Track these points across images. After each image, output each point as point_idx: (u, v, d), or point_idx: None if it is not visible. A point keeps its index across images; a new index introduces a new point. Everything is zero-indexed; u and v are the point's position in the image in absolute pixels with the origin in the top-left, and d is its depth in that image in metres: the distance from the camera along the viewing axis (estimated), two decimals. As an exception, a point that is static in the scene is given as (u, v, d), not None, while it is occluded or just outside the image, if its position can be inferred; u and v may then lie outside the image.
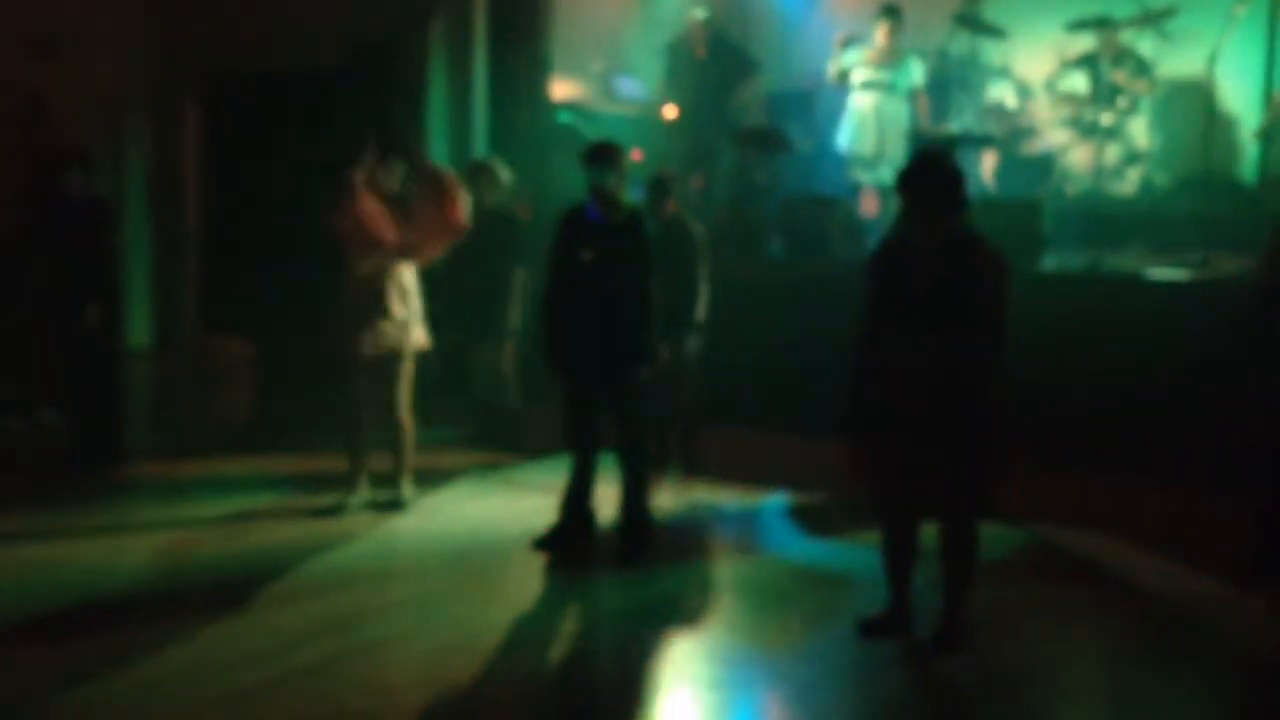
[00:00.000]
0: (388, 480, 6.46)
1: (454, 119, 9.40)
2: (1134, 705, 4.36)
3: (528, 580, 5.51)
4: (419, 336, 6.36)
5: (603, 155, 5.65)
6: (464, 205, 6.29)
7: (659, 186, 7.07)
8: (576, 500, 5.84)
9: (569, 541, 5.83)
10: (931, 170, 4.64)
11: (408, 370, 6.32)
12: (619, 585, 5.51)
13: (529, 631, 4.92)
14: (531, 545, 5.82)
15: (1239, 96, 9.64)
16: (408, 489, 6.48)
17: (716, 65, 9.81)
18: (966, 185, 4.68)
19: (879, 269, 4.76)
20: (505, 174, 7.90)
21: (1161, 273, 7.34)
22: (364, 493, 6.42)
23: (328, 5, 8.74)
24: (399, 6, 8.92)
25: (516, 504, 6.55)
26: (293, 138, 8.53)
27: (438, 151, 9.16)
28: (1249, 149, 9.66)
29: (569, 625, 5.12)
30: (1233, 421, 5.89)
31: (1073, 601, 5.29)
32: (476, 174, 7.72)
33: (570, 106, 10.17)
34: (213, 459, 7.44)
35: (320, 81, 8.72)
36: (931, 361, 4.50)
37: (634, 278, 5.65)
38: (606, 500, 5.91)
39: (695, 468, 7.18)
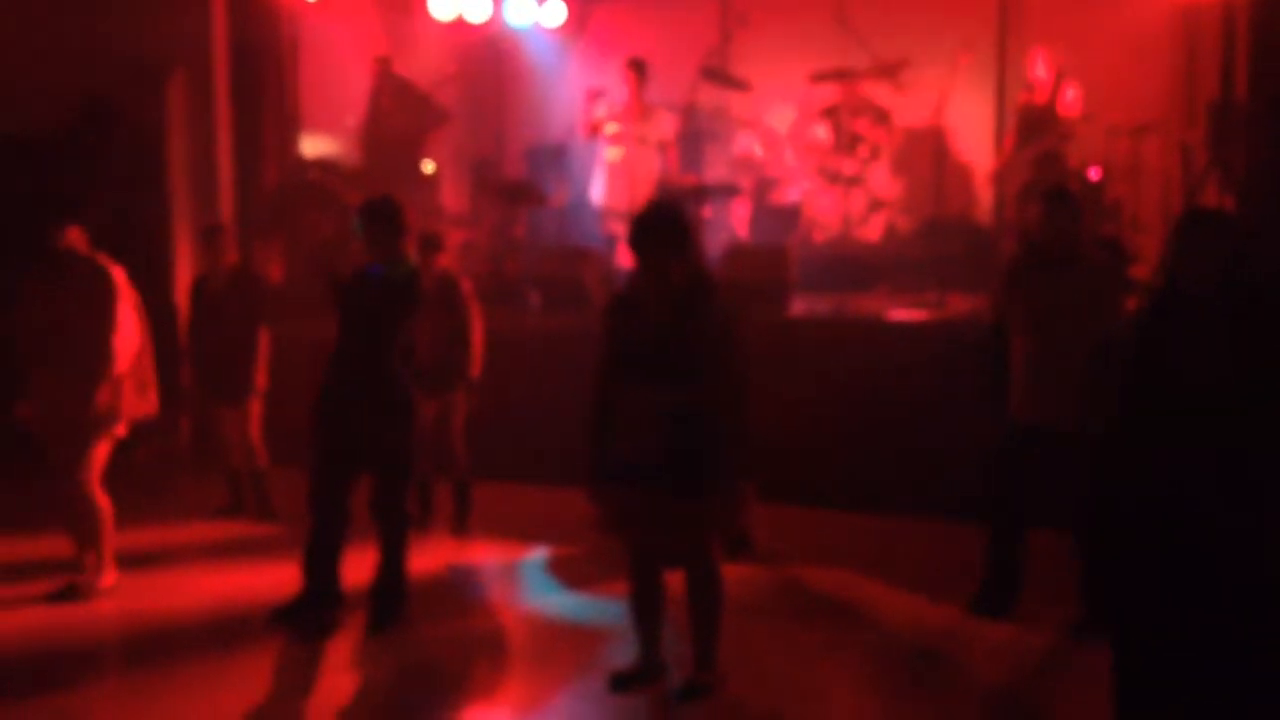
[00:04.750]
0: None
1: (198, 177, 9.10)
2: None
3: (265, 657, 5.24)
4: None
5: (376, 210, 5.57)
6: None
7: (428, 242, 6.96)
8: (321, 567, 5.62)
9: (314, 612, 5.61)
10: (656, 221, 4.67)
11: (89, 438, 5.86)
12: (368, 655, 5.32)
13: (265, 714, 4.69)
14: (271, 618, 5.57)
15: (972, 142, 10.14)
16: (94, 571, 5.97)
17: (402, 114, 9.79)
18: (693, 235, 4.72)
19: (612, 319, 4.77)
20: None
21: (901, 314, 7.61)
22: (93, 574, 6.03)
23: (57, 63, 8.37)
24: (132, 65, 8.59)
25: (263, 576, 6.27)
26: (23, 198, 8.08)
27: (181, 211, 8.87)
28: (984, 193, 10.16)
29: (310, 703, 4.89)
30: (968, 455, 6.09)
31: (818, 640, 5.35)
32: (212, 236, 7.49)
33: (323, 163, 9.98)
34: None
35: (52, 141, 8.32)
36: (664, 409, 4.51)
37: (396, 334, 5.55)
38: (364, 565, 5.71)
39: (465, 525, 7.04)
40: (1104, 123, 9.27)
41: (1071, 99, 9.04)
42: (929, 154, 9.62)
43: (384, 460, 5.54)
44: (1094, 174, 8.90)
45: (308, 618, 5.54)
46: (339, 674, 5.10)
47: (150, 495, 7.71)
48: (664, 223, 4.66)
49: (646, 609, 4.83)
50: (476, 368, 6.94)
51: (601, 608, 5.78)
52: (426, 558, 6.39)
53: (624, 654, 4.95)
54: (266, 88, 9.34)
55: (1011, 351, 5.43)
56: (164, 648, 5.33)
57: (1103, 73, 9.36)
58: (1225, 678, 3.57)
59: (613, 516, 4.70)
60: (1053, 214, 5.37)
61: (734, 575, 4.82)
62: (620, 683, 4.80)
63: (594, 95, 9.52)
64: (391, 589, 5.61)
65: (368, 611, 5.55)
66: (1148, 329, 3.96)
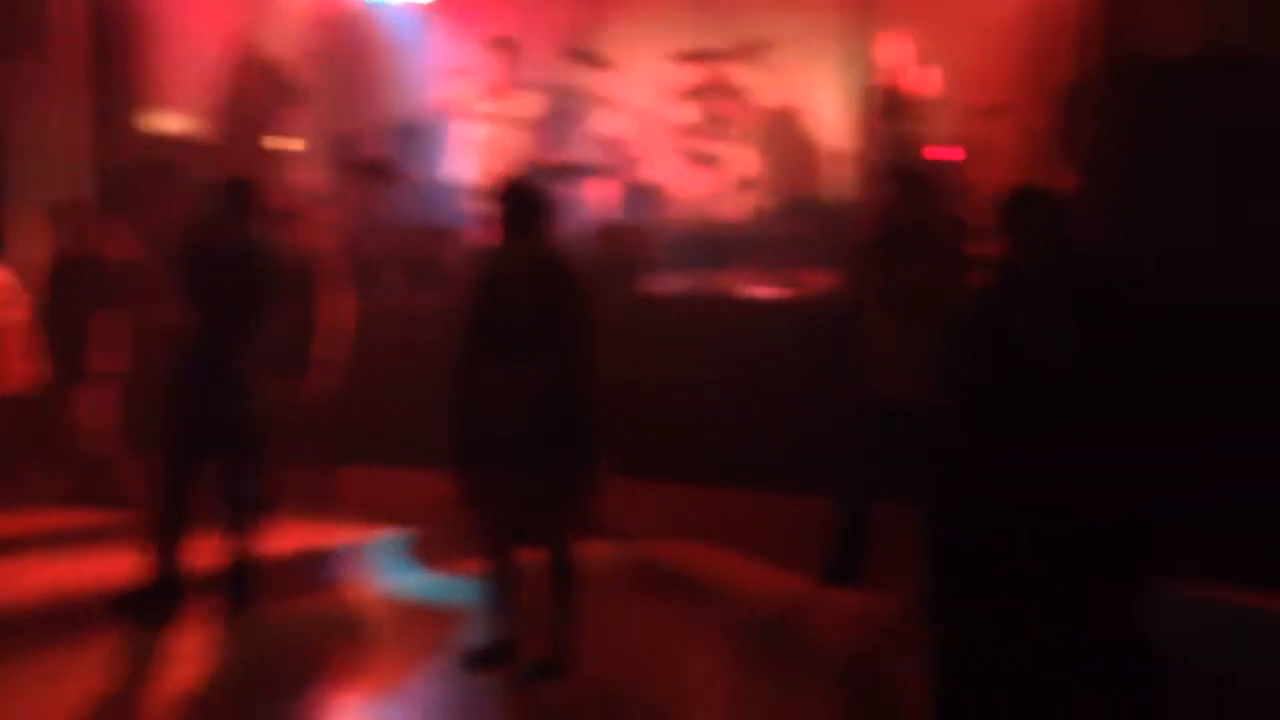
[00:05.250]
0: None
1: (49, 158, 8.78)
2: (727, 713, 4.47)
3: (107, 647, 5.05)
4: None
5: (230, 189, 5.46)
6: None
7: (285, 220, 6.76)
8: (167, 553, 5.46)
9: (159, 599, 5.43)
10: (520, 197, 4.67)
11: None
12: (217, 643, 5.19)
13: (109, 705, 4.55)
14: (113, 606, 5.39)
15: (832, 122, 10.26)
16: None
17: (258, 91, 9.58)
18: (554, 211, 4.74)
19: (474, 297, 4.75)
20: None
21: (761, 291, 7.69)
22: None
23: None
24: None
25: (109, 563, 6.04)
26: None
27: (32, 190, 8.54)
28: (843, 173, 10.29)
29: (155, 692, 4.75)
30: (824, 430, 6.17)
31: (673, 615, 5.40)
32: (61, 215, 7.24)
33: (178, 141, 9.70)
34: None
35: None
36: (521, 386, 4.50)
37: (251, 314, 5.42)
38: (212, 550, 5.56)
39: (324, 509, 6.91)
40: (961, 104, 9.45)
41: (927, 81, 9.19)
42: (790, 134, 9.70)
43: (235, 443, 5.42)
44: (950, 155, 9.06)
45: (153, 605, 5.39)
46: (186, 663, 4.98)
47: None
48: (527, 200, 4.67)
49: (501, 587, 4.82)
50: (336, 349, 6.81)
51: (457, 587, 5.71)
52: (280, 542, 6.26)
53: (479, 633, 4.92)
54: (118, 63, 9.04)
55: (868, 328, 5.50)
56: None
57: (960, 55, 9.54)
58: (1044, 663, 3.67)
59: (472, 495, 4.68)
60: (908, 194, 5.46)
61: (589, 552, 4.82)
62: (474, 661, 4.78)
63: (457, 72, 9.39)
64: (242, 575, 5.50)
65: (218, 598, 5.42)
66: (986, 306, 4.06)
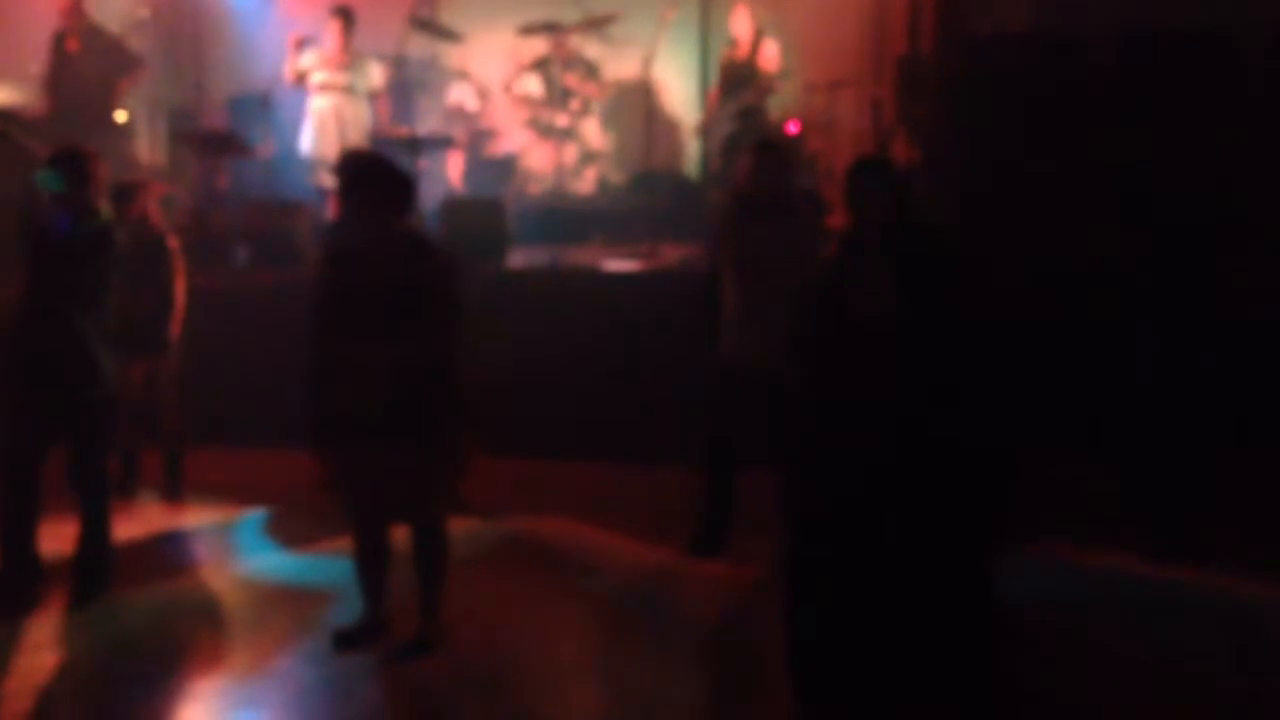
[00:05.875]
0: None
1: None
2: (599, 685, 4.56)
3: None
4: None
5: (64, 161, 5.23)
6: None
7: (122, 194, 6.55)
8: (17, 540, 5.27)
9: (10, 588, 5.25)
10: (361, 169, 4.64)
11: None
12: (72, 630, 5.06)
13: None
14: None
15: (679, 96, 10.40)
16: None
17: (91, 60, 9.28)
18: (404, 184, 4.69)
19: (328, 272, 4.69)
20: None
21: (614, 264, 7.76)
22: None
23: None
24: None
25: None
26: None
27: None
28: (691, 145, 10.44)
29: (9, 684, 4.60)
30: (684, 400, 6.28)
31: (540, 590, 5.43)
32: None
33: (4, 113, 9.30)
34: None
35: None
36: (384, 363, 4.48)
37: (90, 291, 5.25)
38: (64, 536, 5.42)
39: (178, 491, 6.75)
40: (802, 79, 9.66)
41: (771, 55, 9.36)
42: (638, 108, 9.79)
43: (81, 426, 5.27)
44: (792, 128, 9.27)
45: (4, 594, 5.24)
46: (40, 652, 4.85)
47: None
48: (373, 172, 4.63)
49: (370, 565, 4.81)
50: (177, 327, 6.65)
51: (321, 567, 5.68)
52: (135, 525, 6.16)
53: (346, 613, 4.91)
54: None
55: (724, 298, 5.62)
56: None
57: (801, 29, 9.76)
58: (892, 604, 3.85)
59: (335, 474, 4.65)
60: (761, 166, 5.57)
61: (455, 529, 4.84)
62: (344, 641, 4.77)
63: (298, 43, 9.19)
64: (95, 560, 5.36)
65: (70, 585, 5.29)
66: (830, 272, 4.22)
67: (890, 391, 3.88)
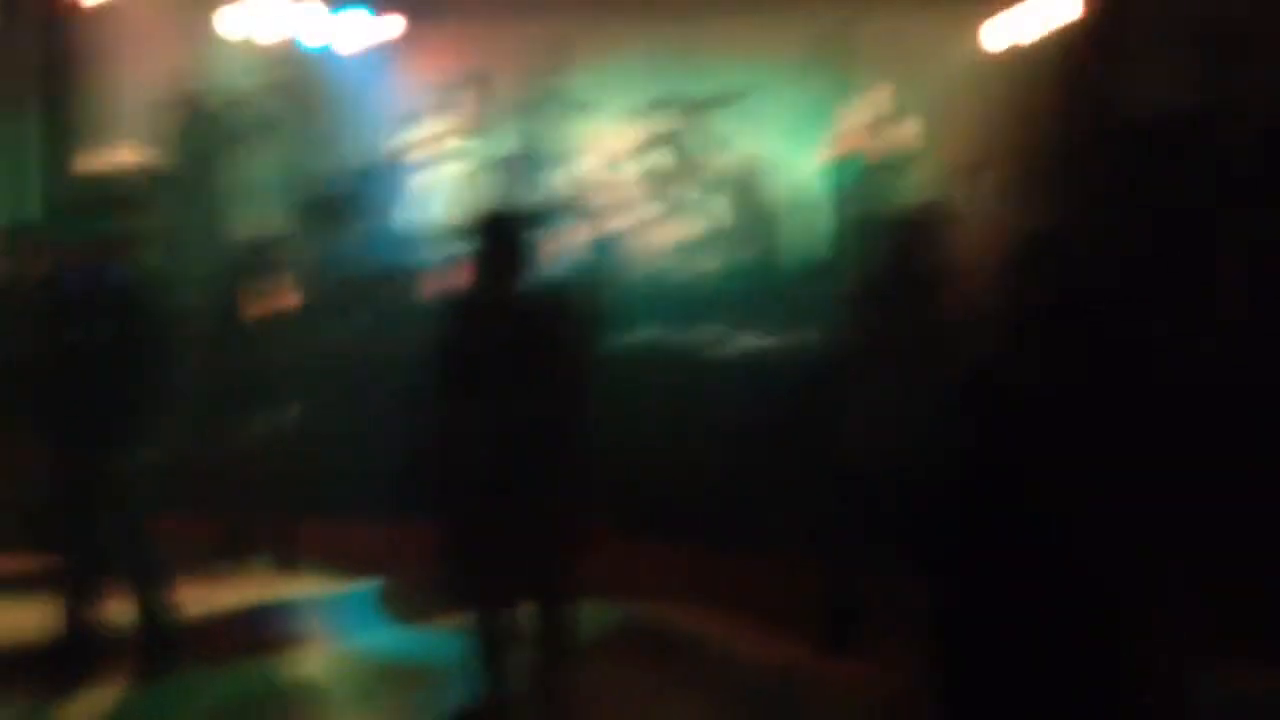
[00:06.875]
0: None
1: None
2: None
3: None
4: None
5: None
6: None
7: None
8: (74, 611, 5.01)
9: (73, 659, 5.01)
10: (500, 234, 4.50)
11: None
12: (143, 706, 4.86)
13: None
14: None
15: (804, 177, 10.22)
16: None
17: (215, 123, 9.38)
18: (536, 250, 4.55)
19: (453, 336, 4.55)
20: None
21: (733, 345, 7.59)
22: None
23: None
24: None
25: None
26: None
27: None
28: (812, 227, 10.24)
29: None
30: (810, 487, 6.00)
31: (660, 679, 5.18)
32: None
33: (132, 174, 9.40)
34: None
35: None
36: (509, 430, 4.30)
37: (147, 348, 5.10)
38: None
39: (286, 560, 6.59)
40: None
41: (901, 135, 9.17)
42: (762, 186, 9.66)
43: (109, 496, 5.07)
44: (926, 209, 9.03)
45: (68, 665, 5.00)
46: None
47: None
48: (511, 236, 4.50)
49: (488, 645, 4.56)
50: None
51: (433, 645, 5.42)
52: (237, 594, 5.97)
53: (459, 695, 4.64)
54: (60, 99, 8.74)
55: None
56: None
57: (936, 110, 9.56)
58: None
59: (454, 544, 4.45)
60: (908, 243, 5.41)
61: (579, 611, 4.59)
62: (462, 723, 4.53)
63: (428, 110, 9.25)
64: (156, 630, 5.15)
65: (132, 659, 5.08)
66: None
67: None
